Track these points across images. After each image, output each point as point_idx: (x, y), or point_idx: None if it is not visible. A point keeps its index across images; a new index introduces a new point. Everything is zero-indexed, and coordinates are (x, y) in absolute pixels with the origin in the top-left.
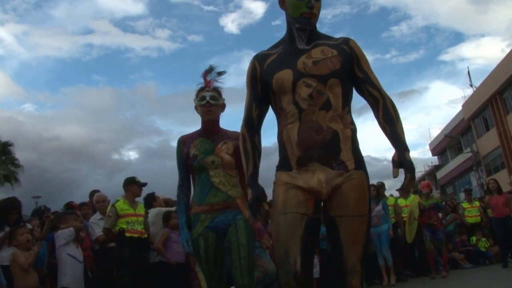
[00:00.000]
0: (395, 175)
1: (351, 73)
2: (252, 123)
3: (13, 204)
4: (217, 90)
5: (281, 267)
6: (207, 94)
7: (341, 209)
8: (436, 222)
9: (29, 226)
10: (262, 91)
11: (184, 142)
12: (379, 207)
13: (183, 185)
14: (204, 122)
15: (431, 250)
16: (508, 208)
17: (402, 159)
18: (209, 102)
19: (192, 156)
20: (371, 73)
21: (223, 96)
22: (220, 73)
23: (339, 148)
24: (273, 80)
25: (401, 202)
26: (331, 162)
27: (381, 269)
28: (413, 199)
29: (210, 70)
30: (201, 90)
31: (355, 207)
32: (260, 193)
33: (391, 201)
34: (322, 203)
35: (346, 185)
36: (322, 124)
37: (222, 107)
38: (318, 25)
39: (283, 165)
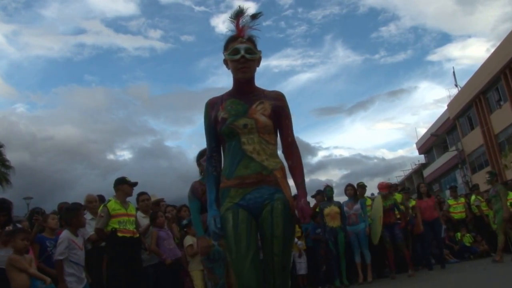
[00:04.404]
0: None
1: None
2: None
3: (1, 205)
4: (252, 41)
5: None
6: (241, 47)
7: None
8: (402, 221)
9: (19, 227)
10: None
11: (212, 105)
12: (357, 206)
13: (212, 157)
14: (236, 81)
15: (390, 250)
16: (436, 211)
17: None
18: (245, 57)
19: (221, 120)
20: None
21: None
22: (254, 17)
23: None
24: None
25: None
26: None
27: (357, 267)
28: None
29: (241, 12)
30: (232, 40)
31: None
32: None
33: (369, 202)
34: None
35: None
36: None
37: (259, 61)
38: (307, 26)
39: None
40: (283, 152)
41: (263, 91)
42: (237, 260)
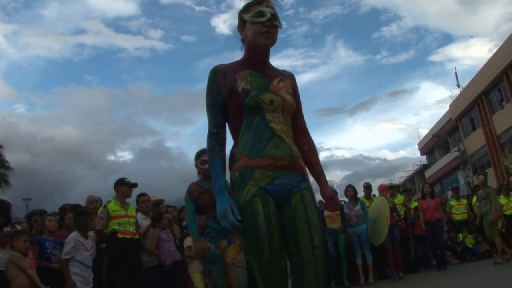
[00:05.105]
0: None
1: None
2: None
3: None
4: (274, 10)
5: None
6: (267, 10)
7: None
8: (401, 223)
9: (18, 228)
10: None
11: (224, 72)
12: (358, 207)
13: (218, 134)
14: (254, 48)
15: (390, 250)
16: (438, 212)
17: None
18: (271, 21)
19: (242, 91)
20: None
21: None
22: None
23: None
24: None
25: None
26: None
27: (358, 268)
28: (392, 199)
29: None
30: (255, 3)
31: None
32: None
33: (367, 203)
34: None
35: None
36: None
37: (276, 35)
38: (309, 26)
39: None
40: (296, 137)
41: (276, 68)
42: (270, 263)
